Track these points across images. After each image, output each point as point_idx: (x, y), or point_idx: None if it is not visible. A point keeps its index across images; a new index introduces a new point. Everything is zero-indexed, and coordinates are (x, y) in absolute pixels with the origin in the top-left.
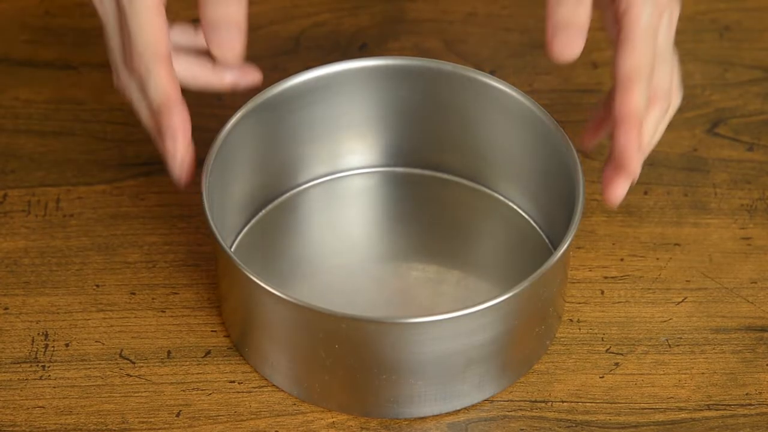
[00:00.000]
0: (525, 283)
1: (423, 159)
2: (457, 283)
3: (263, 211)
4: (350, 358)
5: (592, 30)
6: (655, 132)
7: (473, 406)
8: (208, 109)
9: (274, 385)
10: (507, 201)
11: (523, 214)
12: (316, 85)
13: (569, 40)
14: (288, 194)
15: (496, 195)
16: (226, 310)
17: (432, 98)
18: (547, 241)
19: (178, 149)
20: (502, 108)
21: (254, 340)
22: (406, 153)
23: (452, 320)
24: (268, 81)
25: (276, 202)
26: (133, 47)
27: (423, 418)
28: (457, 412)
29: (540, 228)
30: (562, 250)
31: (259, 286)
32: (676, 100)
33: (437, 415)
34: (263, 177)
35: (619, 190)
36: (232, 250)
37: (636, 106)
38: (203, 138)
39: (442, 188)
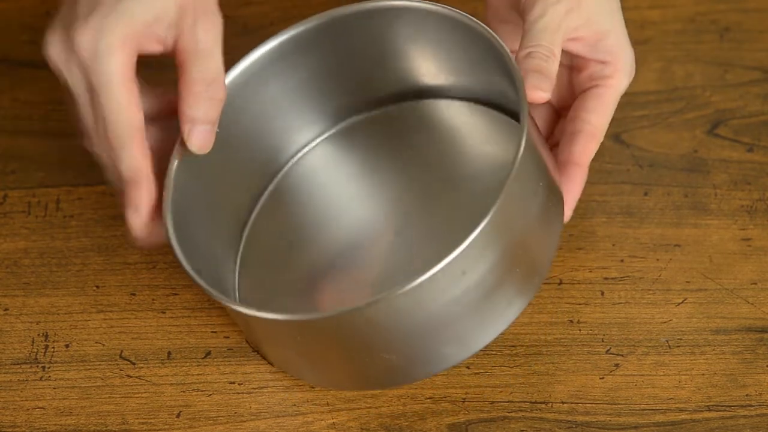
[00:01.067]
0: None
1: (377, 101)
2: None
3: (251, 219)
4: (339, 346)
5: None
6: None
7: (473, 406)
8: None
9: (274, 386)
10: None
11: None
12: (241, 81)
13: (539, 83)
14: (268, 190)
15: (461, 101)
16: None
17: (359, 44)
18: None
19: (137, 223)
20: (419, 25)
21: (262, 348)
22: (355, 103)
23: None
24: None
25: (260, 203)
26: (106, 124)
27: (423, 419)
28: (457, 412)
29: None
30: (518, 159)
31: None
32: None
33: (437, 416)
34: (235, 185)
35: None
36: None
37: (590, 156)
38: None
39: (426, 113)
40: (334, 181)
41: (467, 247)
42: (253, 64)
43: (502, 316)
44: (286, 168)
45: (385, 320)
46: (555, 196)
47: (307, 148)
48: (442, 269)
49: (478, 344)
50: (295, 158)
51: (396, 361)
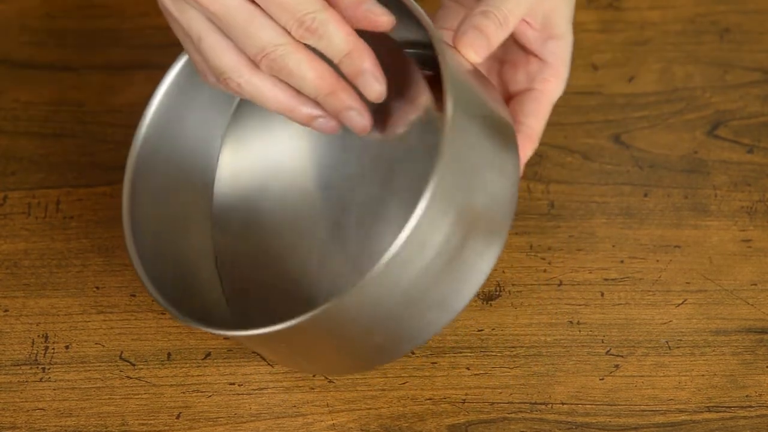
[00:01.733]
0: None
1: None
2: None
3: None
4: (328, 344)
5: (591, 32)
6: None
7: (473, 408)
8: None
9: (274, 387)
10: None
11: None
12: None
13: (475, 41)
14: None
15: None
16: None
17: None
18: None
19: (380, 87)
20: None
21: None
22: None
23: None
24: None
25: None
26: (290, 12)
27: (423, 420)
28: (457, 413)
29: None
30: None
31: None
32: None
33: (437, 417)
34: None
35: None
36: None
37: (526, 158)
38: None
39: None
40: (265, 169)
41: (417, 222)
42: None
43: (477, 270)
44: (221, 167)
45: (359, 309)
46: (503, 131)
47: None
48: (398, 250)
49: (461, 303)
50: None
51: (383, 341)
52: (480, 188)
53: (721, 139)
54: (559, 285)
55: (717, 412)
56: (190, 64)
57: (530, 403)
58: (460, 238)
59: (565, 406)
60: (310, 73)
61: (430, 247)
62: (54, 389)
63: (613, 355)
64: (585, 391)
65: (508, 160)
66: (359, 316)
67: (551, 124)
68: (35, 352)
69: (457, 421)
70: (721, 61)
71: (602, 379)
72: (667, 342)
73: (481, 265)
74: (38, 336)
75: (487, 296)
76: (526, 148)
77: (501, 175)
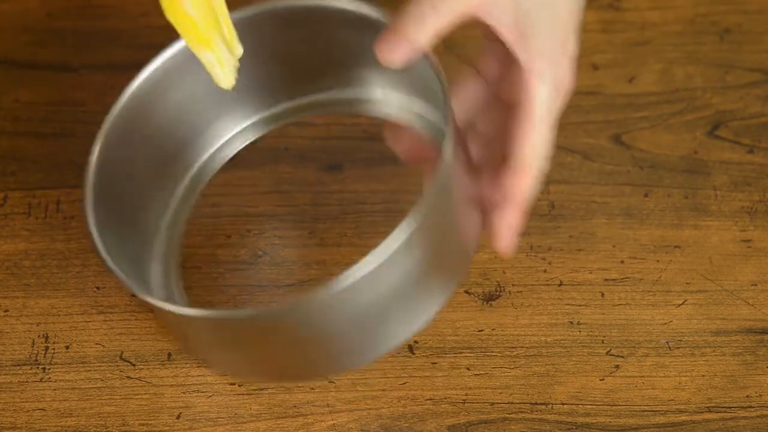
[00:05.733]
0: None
1: (305, 92)
2: None
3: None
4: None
5: (591, 32)
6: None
7: (473, 408)
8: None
9: (274, 388)
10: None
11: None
12: (174, 64)
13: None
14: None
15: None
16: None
17: (296, 37)
18: None
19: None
20: (358, 26)
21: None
22: (283, 92)
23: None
24: None
25: (186, 180)
26: None
27: (423, 420)
28: (457, 414)
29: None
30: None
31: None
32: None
33: (437, 417)
34: (164, 157)
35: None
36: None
37: (527, 191)
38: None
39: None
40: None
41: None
42: (173, 58)
43: (427, 307)
44: (204, 161)
45: (322, 315)
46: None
47: (222, 142)
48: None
49: (424, 318)
50: (211, 153)
51: (341, 349)
52: (445, 244)
53: (722, 140)
54: (559, 285)
55: (717, 412)
56: (183, 53)
57: (530, 404)
58: (423, 273)
59: (565, 406)
60: None
61: (396, 268)
62: (54, 389)
63: (613, 355)
64: (585, 392)
65: (465, 247)
66: (318, 322)
67: None
68: (35, 352)
69: (457, 422)
70: (721, 62)
71: (602, 380)
72: (667, 342)
73: (431, 303)
74: (38, 336)
75: (488, 296)
76: (518, 183)
77: (460, 248)
